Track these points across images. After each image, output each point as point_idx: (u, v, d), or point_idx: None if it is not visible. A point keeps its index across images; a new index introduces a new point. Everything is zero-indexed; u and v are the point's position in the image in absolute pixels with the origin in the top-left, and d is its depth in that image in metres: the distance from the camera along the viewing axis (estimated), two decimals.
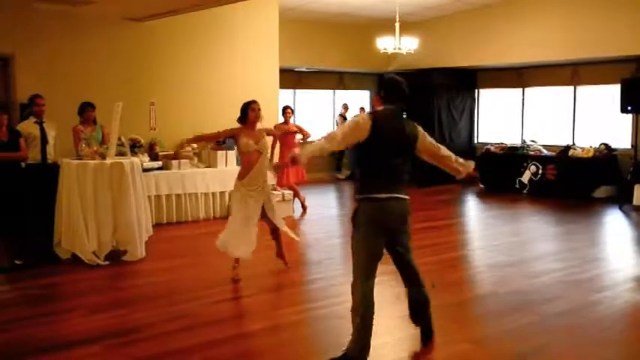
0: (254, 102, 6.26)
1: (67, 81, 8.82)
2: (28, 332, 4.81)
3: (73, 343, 4.54)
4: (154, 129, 9.69)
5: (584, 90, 12.85)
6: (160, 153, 9.35)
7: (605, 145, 11.85)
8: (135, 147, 9.01)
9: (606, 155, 11.72)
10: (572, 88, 12.93)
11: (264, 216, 6.24)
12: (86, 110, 7.51)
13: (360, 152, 4.16)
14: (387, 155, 4.13)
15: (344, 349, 4.05)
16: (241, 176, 6.15)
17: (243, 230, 6.02)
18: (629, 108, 10.45)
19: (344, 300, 5.46)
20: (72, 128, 7.51)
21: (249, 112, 6.17)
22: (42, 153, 7.15)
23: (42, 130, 7.17)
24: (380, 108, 4.26)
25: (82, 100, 7.68)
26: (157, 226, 8.53)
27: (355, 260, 4.12)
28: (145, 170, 8.36)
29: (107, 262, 6.79)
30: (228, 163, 9.66)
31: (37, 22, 8.68)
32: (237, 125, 6.26)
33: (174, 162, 9.18)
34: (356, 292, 4.06)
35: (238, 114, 6.21)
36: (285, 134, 9.77)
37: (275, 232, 6.46)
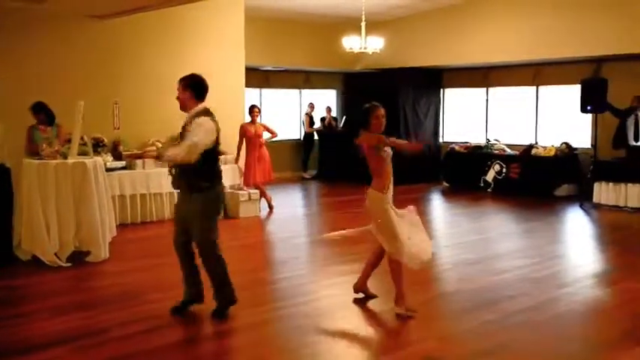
0: (377, 107, 5.15)
1: (27, 79, 8.61)
2: None
3: (35, 347, 4.45)
4: (118, 128, 9.56)
5: (545, 90, 13.09)
6: (124, 152, 9.23)
7: (567, 144, 12.09)
8: (98, 146, 8.87)
9: (567, 154, 11.96)
10: (534, 88, 13.16)
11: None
12: (42, 110, 7.38)
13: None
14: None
15: None
16: (384, 188, 5.12)
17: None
18: (589, 108, 10.67)
19: (309, 299, 5.53)
20: (28, 127, 7.37)
21: (372, 120, 5.10)
22: None
23: None
24: (201, 106, 4.99)
25: (41, 98, 7.56)
26: (121, 226, 8.43)
27: None
28: (109, 170, 8.24)
29: (69, 264, 6.65)
30: None
31: None
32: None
33: (139, 161, 9.05)
34: None
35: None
36: (254, 135, 9.79)
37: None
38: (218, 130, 4.88)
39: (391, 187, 5.16)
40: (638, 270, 6.68)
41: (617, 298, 5.76)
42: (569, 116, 12.38)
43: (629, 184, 10.35)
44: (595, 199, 10.71)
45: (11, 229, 6.90)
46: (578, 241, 8.72)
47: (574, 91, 11.51)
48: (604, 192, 10.64)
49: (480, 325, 4.91)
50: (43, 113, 7.46)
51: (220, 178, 5.07)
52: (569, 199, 11.25)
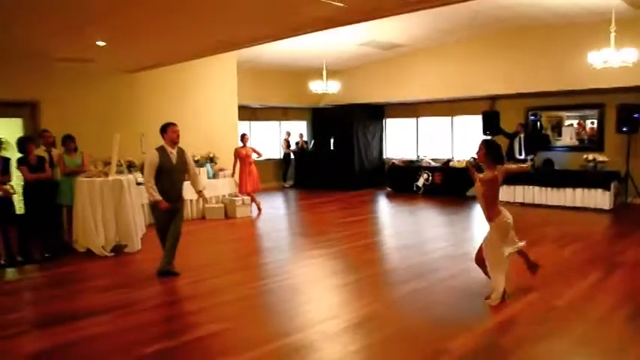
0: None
1: (80, 119, 8.65)
2: (54, 306, 4.76)
3: (89, 314, 4.53)
4: (145, 153, 9.54)
5: (458, 119, 13.40)
6: None
7: (474, 158, 12.33)
8: (130, 167, 8.90)
9: (475, 165, 12.23)
10: (450, 117, 13.50)
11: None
12: (70, 141, 7.28)
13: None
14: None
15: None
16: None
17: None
18: (487, 132, 11.10)
19: (288, 277, 5.59)
20: (59, 154, 7.22)
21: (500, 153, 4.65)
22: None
23: (49, 155, 7.02)
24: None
25: (89, 133, 7.57)
26: (150, 226, 8.37)
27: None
28: (139, 184, 8.23)
29: (112, 254, 6.71)
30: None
31: (57, 75, 8.52)
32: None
33: None
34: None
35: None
36: (245, 155, 9.89)
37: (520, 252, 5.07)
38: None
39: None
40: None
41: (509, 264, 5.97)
42: (474, 138, 12.68)
43: (517, 186, 10.76)
44: None
45: (62, 228, 6.98)
46: (482, 228, 8.94)
47: (477, 120, 11.88)
48: (500, 191, 10.96)
49: (414, 291, 5.04)
50: (72, 142, 7.20)
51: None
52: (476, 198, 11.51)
